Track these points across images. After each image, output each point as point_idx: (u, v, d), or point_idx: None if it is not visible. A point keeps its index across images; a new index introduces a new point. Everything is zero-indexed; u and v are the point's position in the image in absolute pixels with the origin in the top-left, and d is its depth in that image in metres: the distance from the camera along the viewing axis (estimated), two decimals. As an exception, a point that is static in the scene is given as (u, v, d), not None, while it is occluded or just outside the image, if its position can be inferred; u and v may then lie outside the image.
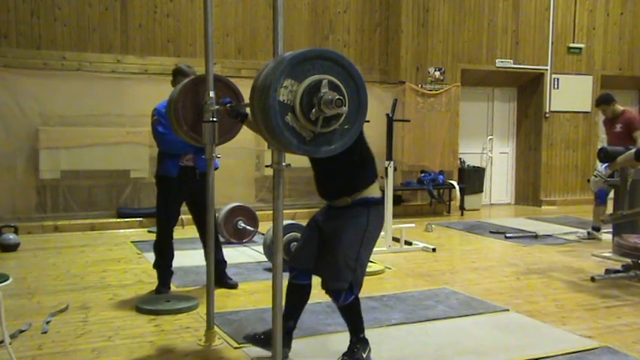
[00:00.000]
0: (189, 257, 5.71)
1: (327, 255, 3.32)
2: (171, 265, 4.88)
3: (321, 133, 2.66)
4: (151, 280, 5.04)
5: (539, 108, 10.65)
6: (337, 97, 2.58)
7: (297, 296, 3.50)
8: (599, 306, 4.61)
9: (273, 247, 2.74)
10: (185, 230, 7.04)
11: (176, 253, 4.98)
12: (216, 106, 3.68)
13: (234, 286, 4.98)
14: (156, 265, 4.89)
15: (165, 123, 4.67)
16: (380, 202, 3.39)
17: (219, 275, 4.85)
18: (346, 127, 2.72)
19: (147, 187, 8.19)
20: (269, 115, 2.55)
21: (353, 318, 3.44)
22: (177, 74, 4.76)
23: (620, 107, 7.45)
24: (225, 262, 5.07)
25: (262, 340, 3.47)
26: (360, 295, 4.78)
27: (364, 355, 3.39)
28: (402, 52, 9.52)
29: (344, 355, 3.40)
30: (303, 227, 5.62)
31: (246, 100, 3.28)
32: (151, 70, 8.29)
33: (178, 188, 4.73)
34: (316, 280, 5.35)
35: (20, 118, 7.72)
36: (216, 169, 4.71)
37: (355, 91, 2.72)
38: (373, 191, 3.34)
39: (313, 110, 2.59)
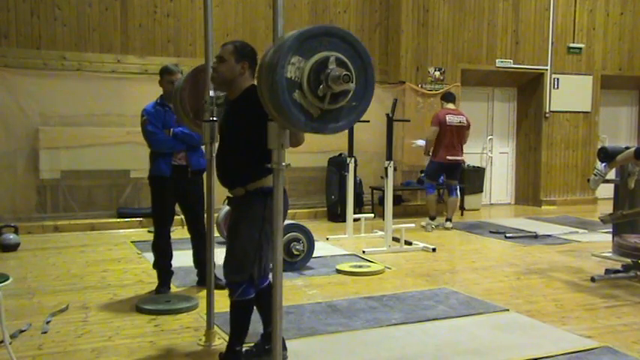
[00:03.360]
0: (190, 257, 5.69)
1: (228, 248, 3.25)
2: (170, 265, 4.88)
3: (329, 110, 2.67)
4: (151, 280, 5.04)
5: (539, 108, 10.65)
6: (345, 72, 2.59)
7: (257, 299, 3.37)
8: (599, 306, 4.61)
9: (273, 246, 2.74)
10: (185, 230, 7.03)
11: (176, 253, 4.98)
12: (221, 94, 3.69)
13: (223, 287, 4.86)
14: (155, 266, 4.89)
15: (155, 122, 4.73)
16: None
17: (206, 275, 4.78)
18: (353, 104, 2.72)
19: (147, 187, 8.10)
20: (276, 92, 2.56)
21: (239, 320, 3.28)
22: (164, 73, 4.78)
23: None
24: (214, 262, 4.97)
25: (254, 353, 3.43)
26: (360, 295, 4.80)
27: None
28: (402, 52, 9.52)
29: None
30: (305, 229, 5.63)
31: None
32: (151, 70, 8.28)
33: (172, 187, 4.75)
34: (316, 281, 5.35)
35: (20, 118, 7.72)
36: (205, 167, 4.72)
37: (362, 69, 2.73)
38: (270, 181, 3.10)
39: (321, 87, 2.59)
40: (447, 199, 8.43)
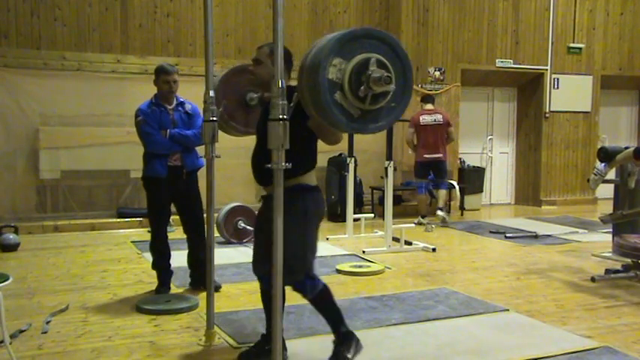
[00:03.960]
0: (189, 257, 5.71)
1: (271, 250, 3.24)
2: (169, 265, 4.88)
3: (369, 110, 2.73)
4: (151, 280, 5.04)
5: (539, 108, 10.65)
6: (386, 74, 2.65)
7: (270, 300, 3.44)
8: (599, 306, 4.61)
9: (273, 247, 2.74)
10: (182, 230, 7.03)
11: (176, 253, 4.98)
12: (255, 95, 3.73)
13: (217, 288, 4.81)
14: (154, 266, 4.89)
15: (151, 123, 4.66)
16: (314, 189, 3.27)
17: (202, 277, 4.69)
18: (392, 105, 2.79)
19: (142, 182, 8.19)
20: (318, 94, 2.61)
21: (328, 310, 3.32)
22: (161, 73, 4.70)
23: None
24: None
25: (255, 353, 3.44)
26: (360, 295, 4.80)
27: (349, 356, 3.27)
28: (402, 52, 9.51)
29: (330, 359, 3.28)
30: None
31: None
32: (151, 70, 8.16)
33: (167, 188, 4.72)
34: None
35: (20, 118, 7.73)
36: (200, 166, 4.73)
37: (401, 70, 2.80)
38: (308, 179, 3.23)
39: (362, 87, 2.65)
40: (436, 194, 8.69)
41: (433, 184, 8.60)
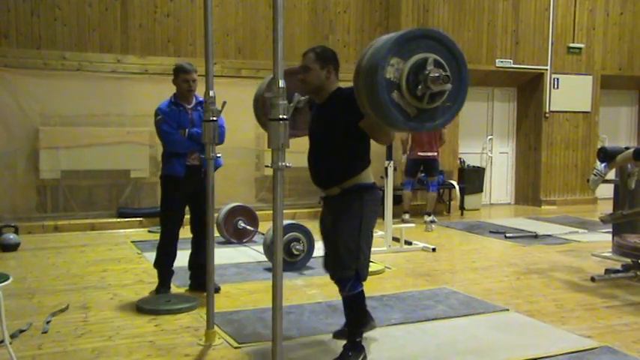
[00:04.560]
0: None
1: (331, 247, 3.36)
2: (172, 265, 4.87)
3: (425, 109, 2.80)
4: (151, 280, 5.04)
5: (539, 108, 10.65)
6: (444, 73, 2.73)
7: None
8: (599, 306, 4.61)
9: (273, 247, 2.74)
10: (185, 230, 7.03)
11: (179, 252, 4.96)
12: (302, 98, 3.79)
13: (217, 290, 4.75)
14: (157, 265, 4.86)
15: (170, 122, 4.65)
16: (373, 186, 3.36)
17: (200, 280, 4.72)
18: (448, 104, 2.86)
19: (147, 187, 8.20)
20: (376, 93, 2.68)
21: (355, 313, 3.40)
22: (180, 72, 4.65)
23: None
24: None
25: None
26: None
27: None
28: (402, 52, 9.51)
29: None
30: (305, 229, 5.64)
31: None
32: (151, 70, 8.29)
33: (184, 188, 4.70)
34: (316, 281, 5.35)
35: (20, 118, 7.72)
36: (219, 166, 4.71)
37: (457, 70, 2.87)
38: (365, 177, 3.32)
39: (419, 87, 2.72)
40: (426, 195, 8.82)
41: (426, 185, 8.66)
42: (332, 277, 3.45)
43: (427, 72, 2.73)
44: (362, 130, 3.19)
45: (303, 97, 3.81)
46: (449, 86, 2.78)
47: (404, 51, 2.74)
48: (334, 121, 3.29)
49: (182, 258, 5.03)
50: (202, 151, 4.61)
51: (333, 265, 3.33)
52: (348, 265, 3.26)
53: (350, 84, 3.14)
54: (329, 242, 3.43)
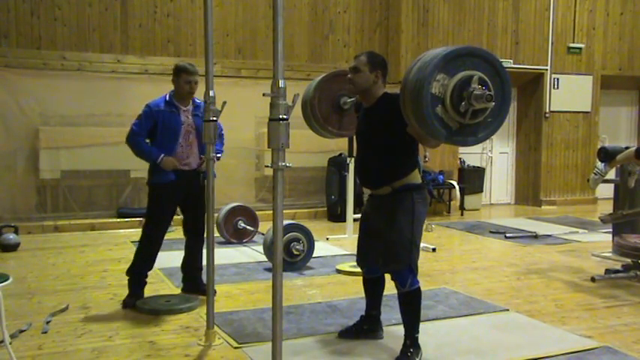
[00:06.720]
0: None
1: (383, 242, 3.42)
2: (147, 275, 4.60)
3: (467, 125, 2.89)
4: (151, 280, 5.01)
5: (539, 108, 10.65)
6: (488, 93, 2.81)
7: (372, 287, 3.75)
8: (599, 306, 4.61)
9: (273, 247, 2.74)
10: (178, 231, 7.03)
11: (175, 253, 4.95)
12: (349, 100, 3.87)
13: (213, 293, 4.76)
14: (132, 272, 4.54)
15: (146, 123, 4.45)
16: (422, 187, 3.50)
17: (196, 281, 4.70)
18: (489, 120, 2.95)
19: (147, 187, 8.18)
20: (421, 106, 2.79)
21: (412, 310, 3.47)
22: (183, 72, 4.42)
23: None
24: (201, 269, 4.70)
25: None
26: (360, 295, 4.78)
27: None
28: (402, 52, 9.52)
29: (396, 359, 3.43)
30: (305, 229, 5.65)
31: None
32: (151, 70, 8.29)
33: (174, 194, 4.51)
34: (316, 281, 5.35)
35: (20, 118, 7.72)
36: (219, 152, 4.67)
37: (500, 88, 2.95)
38: (414, 177, 3.43)
39: (463, 103, 2.80)
40: None
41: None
42: (381, 272, 3.61)
43: (471, 90, 2.81)
44: (409, 135, 3.30)
45: (350, 99, 3.90)
46: (491, 104, 2.85)
47: (450, 67, 2.83)
48: (384, 124, 3.40)
49: (180, 258, 5.03)
50: (202, 152, 4.56)
51: (386, 259, 3.42)
52: (402, 259, 3.35)
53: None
54: (374, 239, 3.51)
